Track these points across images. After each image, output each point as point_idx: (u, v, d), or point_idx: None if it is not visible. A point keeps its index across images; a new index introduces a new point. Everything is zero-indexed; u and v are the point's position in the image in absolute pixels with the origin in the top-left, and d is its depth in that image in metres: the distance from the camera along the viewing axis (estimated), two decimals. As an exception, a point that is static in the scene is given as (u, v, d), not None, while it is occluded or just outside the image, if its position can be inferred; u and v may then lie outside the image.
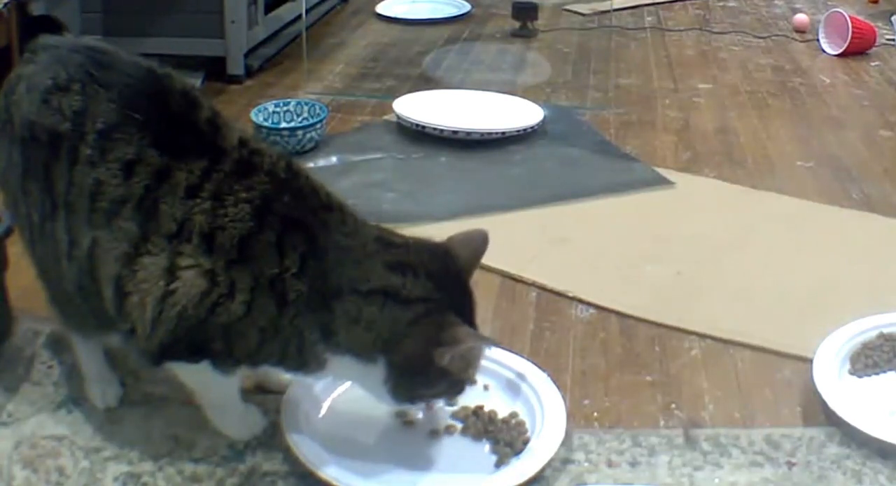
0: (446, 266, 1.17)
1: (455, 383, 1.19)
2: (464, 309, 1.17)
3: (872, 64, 3.15)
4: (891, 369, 1.45)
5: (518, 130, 2.36)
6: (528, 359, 1.43)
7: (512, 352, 1.44)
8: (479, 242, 1.22)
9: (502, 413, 1.33)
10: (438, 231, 1.85)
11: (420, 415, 1.33)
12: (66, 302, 1.24)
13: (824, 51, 3.27)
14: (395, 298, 1.12)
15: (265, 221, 1.11)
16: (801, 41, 3.42)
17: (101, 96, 1.15)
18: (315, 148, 2.27)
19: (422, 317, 1.12)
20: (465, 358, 1.15)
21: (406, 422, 1.32)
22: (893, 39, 3.37)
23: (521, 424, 1.31)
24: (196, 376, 1.22)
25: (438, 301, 1.14)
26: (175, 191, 1.11)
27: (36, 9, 2.39)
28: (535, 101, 2.56)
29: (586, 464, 1.27)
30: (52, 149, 1.16)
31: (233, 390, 1.27)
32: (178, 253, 1.10)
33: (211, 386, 1.25)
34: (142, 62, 1.21)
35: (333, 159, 2.24)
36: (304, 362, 1.16)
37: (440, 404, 1.30)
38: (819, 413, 1.36)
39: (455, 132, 2.31)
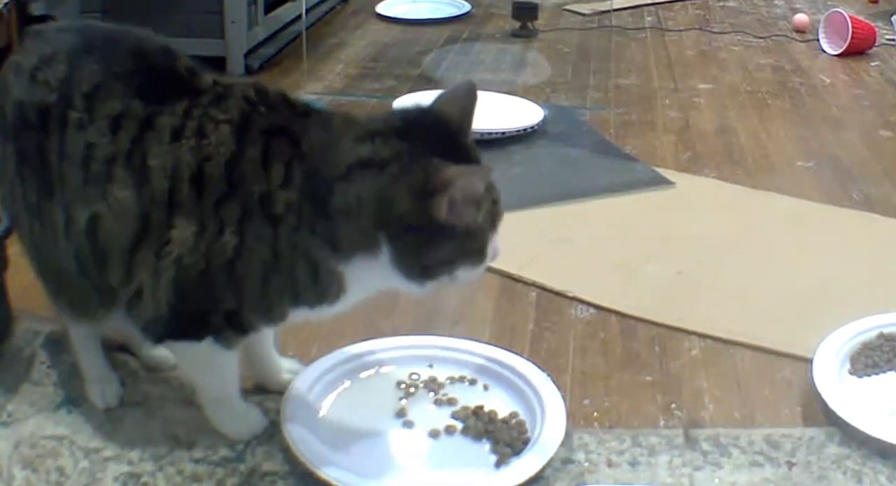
0: (426, 125, 1.11)
1: (467, 238, 1.09)
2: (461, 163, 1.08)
3: (872, 64, 3.15)
4: (891, 369, 1.45)
5: (518, 130, 2.36)
6: (528, 359, 1.43)
7: (512, 352, 1.44)
8: (464, 94, 1.14)
9: (502, 413, 1.33)
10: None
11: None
12: (66, 284, 1.24)
13: (824, 51, 3.27)
14: (369, 165, 1.07)
15: (247, 137, 1.11)
16: (801, 41, 3.42)
17: (84, 61, 1.17)
18: (315, 148, 2.27)
19: (401, 173, 1.05)
20: (468, 201, 1.06)
21: (406, 422, 1.32)
22: (893, 39, 3.37)
23: (521, 424, 1.31)
24: (198, 359, 1.21)
25: (415, 153, 1.06)
26: (161, 137, 1.11)
27: (36, 9, 2.40)
28: (535, 101, 2.56)
29: (586, 464, 1.27)
30: (43, 125, 1.16)
31: (233, 379, 1.26)
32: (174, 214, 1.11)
33: (212, 372, 1.24)
34: (121, 27, 1.23)
35: (333, 159, 2.23)
36: (322, 287, 1.13)
37: (471, 274, 1.15)
38: (819, 413, 1.36)
39: (455, 132, 2.31)
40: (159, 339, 1.20)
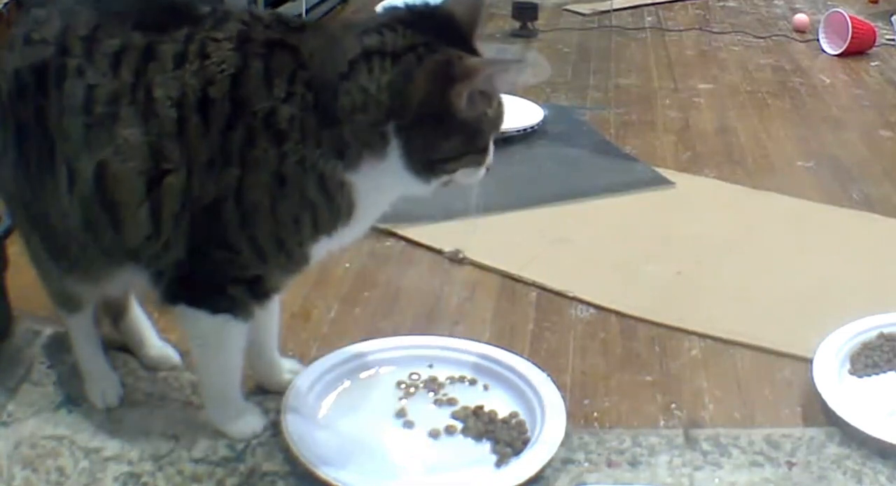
0: (436, 21, 1.09)
1: (476, 133, 1.09)
2: None
3: (872, 64, 3.16)
4: (891, 369, 1.45)
5: (518, 130, 2.36)
6: (528, 359, 1.43)
7: (512, 352, 1.44)
8: None
9: (502, 413, 1.33)
10: (438, 231, 1.86)
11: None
12: (70, 251, 1.22)
13: (824, 51, 3.27)
14: (381, 55, 1.05)
15: (249, 51, 1.09)
16: (801, 41, 3.42)
17: (79, 10, 1.15)
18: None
19: (417, 63, 1.04)
20: (486, 93, 1.07)
21: (406, 422, 1.32)
22: (893, 39, 3.37)
23: (521, 424, 1.31)
24: (209, 334, 1.21)
25: (432, 44, 1.06)
26: (164, 66, 1.10)
27: (36, 9, 2.40)
28: (535, 101, 2.56)
29: (586, 464, 1.27)
30: (41, 85, 1.14)
31: (237, 365, 1.26)
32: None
33: (220, 351, 1.23)
34: None
35: (333, 159, 2.23)
36: (334, 203, 1.12)
37: (474, 176, 1.16)
38: (819, 413, 1.36)
39: (455, 132, 2.31)
40: (175, 298, 1.18)
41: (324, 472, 1.19)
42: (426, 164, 1.10)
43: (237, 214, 1.11)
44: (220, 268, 1.16)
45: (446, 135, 1.08)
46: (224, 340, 1.22)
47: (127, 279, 1.26)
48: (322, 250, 1.18)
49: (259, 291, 1.19)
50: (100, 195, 1.13)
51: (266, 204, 1.11)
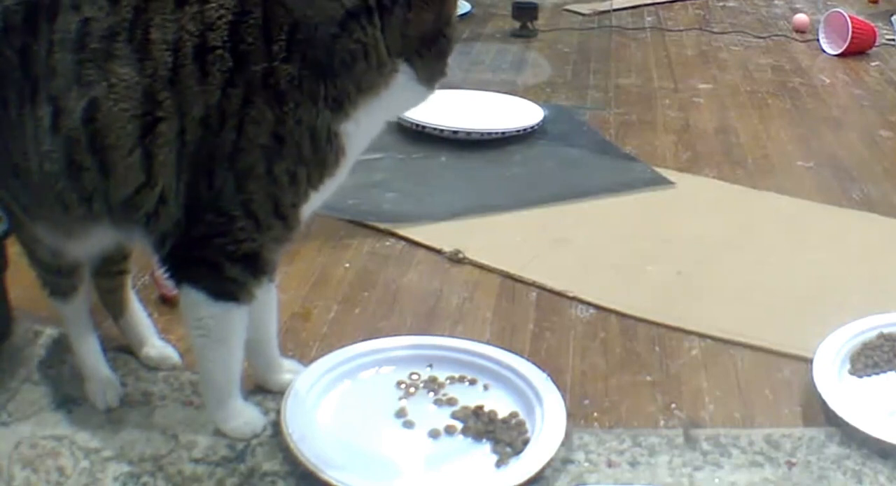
0: None
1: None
2: None
3: (872, 64, 3.16)
4: (891, 369, 1.45)
5: (518, 130, 2.36)
6: (527, 359, 1.43)
7: (512, 352, 1.44)
8: None
9: (502, 413, 1.33)
10: (438, 231, 1.86)
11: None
12: (44, 202, 1.18)
13: (824, 51, 3.27)
14: (366, 13, 1.08)
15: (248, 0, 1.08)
16: (801, 41, 3.42)
17: None
18: (315, 148, 2.26)
19: (409, 4, 1.09)
20: None
21: (406, 422, 1.32)
22: (893, 39, 3.37)
23: (521, 424, 1.31)
24: (211, 327, 1.20)
25: None
26: (165, 5, 1.08)
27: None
28: (535, 101, 2.56)
29: (586, 464, 1.27)
30: (29, 22, 1.11)
31: (237, 357, 1.25)
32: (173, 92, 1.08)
33: (223, 340, 1.22)
34: None
35: (333, 159, 2.23)
36: (324, 156, 1.13)
37: None
38: (819, 413, 1.36)
39: (455, 132, 2.31)
40: (176, 274, 1.17)
41: (324, 472, 1.19)
42: (440, 73, 1.17)
43: (231, 179, 1.10)
44: (213, 239, 1.14)
45: (445, 35, 1.14)
46: (226, 329, 1.21)
47: (102, 238, 1.22)
48: (311, 208, 1.18)
49: (256, 268, 1.18)
50: (88, 137, 1.10)
51: (262, 166, 1.10)
